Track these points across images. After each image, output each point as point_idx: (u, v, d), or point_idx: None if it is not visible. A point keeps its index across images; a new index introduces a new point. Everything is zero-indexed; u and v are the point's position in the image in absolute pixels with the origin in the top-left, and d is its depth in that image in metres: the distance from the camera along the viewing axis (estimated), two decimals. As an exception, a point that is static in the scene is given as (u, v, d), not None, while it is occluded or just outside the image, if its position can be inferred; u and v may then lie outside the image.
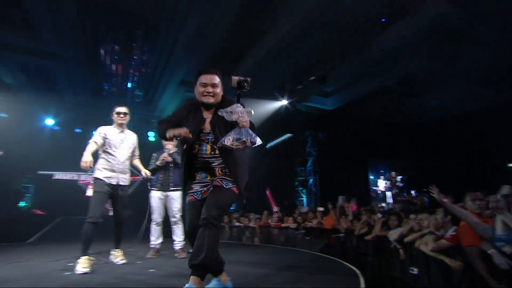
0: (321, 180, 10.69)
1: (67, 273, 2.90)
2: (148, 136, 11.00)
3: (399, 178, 11.13)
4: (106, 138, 3.31)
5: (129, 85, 9.25)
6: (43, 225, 8.05)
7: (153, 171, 4.17)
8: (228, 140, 1.83)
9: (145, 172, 3.78)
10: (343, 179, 11.16)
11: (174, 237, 4.14)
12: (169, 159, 4.16)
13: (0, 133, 8.41)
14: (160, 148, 4.37)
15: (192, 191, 2.13)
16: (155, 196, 4.15)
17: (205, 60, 7.94)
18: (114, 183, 3.29)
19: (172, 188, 4.16)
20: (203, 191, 2.11)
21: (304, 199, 10.84)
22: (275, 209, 8.65)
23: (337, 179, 10.97)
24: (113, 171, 3.30)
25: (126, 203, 3.47)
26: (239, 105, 1.89)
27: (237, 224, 7.63)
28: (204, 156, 2.09)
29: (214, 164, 2.09)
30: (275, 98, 8.98)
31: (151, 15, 7.06)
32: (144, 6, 6.82)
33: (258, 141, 1.88)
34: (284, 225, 6.75)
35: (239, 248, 5.48)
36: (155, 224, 4.17)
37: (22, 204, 9.93)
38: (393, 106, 9.88)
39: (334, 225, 5.68)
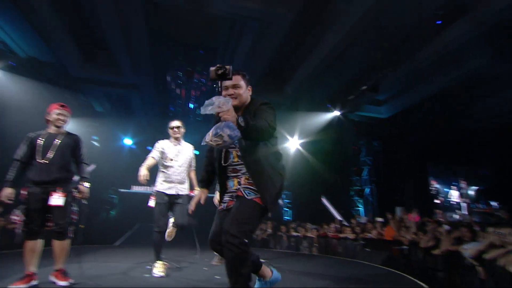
0: (378, 189, 10.05)
1: (146, 275, 3.16)
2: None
3: (472, 187, 9.87)
4: (164, 152, 3.44)
5: (191, 105, 9.92)
6: (125, 230, 8.93)
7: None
8: (208, 136, 1.57)
9: (195, 190, 3.62)
10: (402, 188, 10.32)
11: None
12: None
13: (92, 152, 9.66)
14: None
15: (223, 201, 1.95)
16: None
17: (258, 77, 8.18)
18: (173, 193, 3.39)
19: None
20: (228, 201, 1.90)
21: (361, 208, 10.27)
22: (339, 217, 8.29)
23: (395, 188, 10.18)
24: (171, 182, 3.38)
25: (185, 211, 3.40)
26: (219, 96, 1.60)
27: (294, 234, 7.51)
28: (232, 163, 1.89)
29: (241, 172, 1.87)
30: (328, 110, 8.78)
31: (209, 41, 7.61)
32: (203, 35, 7.39)
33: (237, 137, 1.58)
34: (342, 235, 6.46)
35: (297, 258, 5.40)
36: None
37: (112, 212, 11.19)
38: (453, 110, 8.93)
39: (395, 236, 5.26)
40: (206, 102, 1.58)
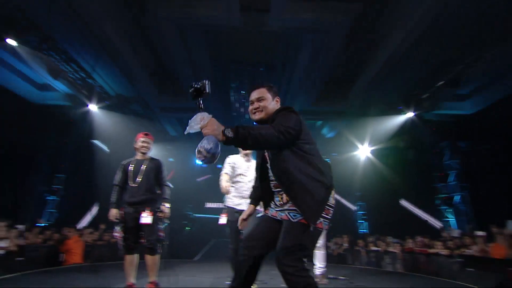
0: (472, 196, 8.65)
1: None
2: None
3: None
4: (235, 167, 3.44)
5: (254, 123, 10.20)
6: (202, 246, 9.44)
7: None
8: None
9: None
10: (502, 195, 8.68)
11: (316, 262, 4.05)
12: None
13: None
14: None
15: (270, 207, 1.84)
16: None
17: (320, 86, 8.03)
18: (244, 209, 3.29)
19: None
20: (273, 212, 1.78)
21: (452, 219, 8.96)
22: (439, 224, 7.32)
23: (493, 195, 8.62)
24: (242, 197, 3.33)
25: None
26: (202, 113, 1.54)
27: (374, 248, 6.90)
28: (272, 179, 1.78)
29: (280, 188, 1.73)
30: (399, 112, 8.06)
31: (268, 58, 7.81)
32: (262, 53, 7.62)
33: (217, 151, 1.49)
34: (432, 251, 5.68)
35: (381, 276, 4.90)
36: (319, 249, 4.04)
37: (188, 228, 12.02)
38: None
39: (509, 255, 4.37)
40: (189, 121, 1.54)
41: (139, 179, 3.18)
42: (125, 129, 8.62)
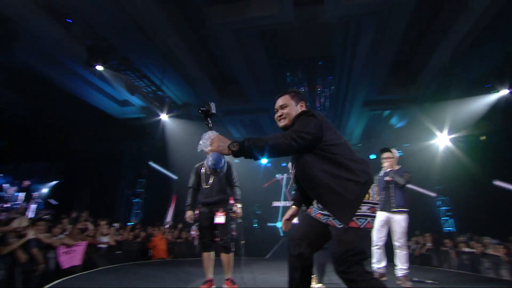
0: None
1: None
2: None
3: None
4: None
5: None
6: (273, 244, 9.54)
7: None
8: None
9: None
10: None
11: (397, 263, 3.72)
12: (389, 178, 3.81)
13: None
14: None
15: (313, 207, 1.81)
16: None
17: (385, 75, 7.41)
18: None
19: (394, 210, 3.70)
20: (316, 213, 1.74)
21: None
22: None
23: None
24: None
25: None
26: (211, 131, 1.68)
27: (466, 249, 6.02)
28: None
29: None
30: (488, 91, 6.92)
31: (326, 50, 7.51)
32: (319, 46, 7.37)
33: (217, 166, 1.71)
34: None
35: (483, 283, 4.22)
36: (375, 247, 3.80)
37: (256, 225, 12.29)
38: None
39: None
40: (200, 141, 1.67)
41: (211, 181, 3.35)
42: (192, 134, 9.26)
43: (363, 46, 6.43)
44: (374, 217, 1.61)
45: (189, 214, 3.36)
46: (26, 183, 12.07)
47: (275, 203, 12.10)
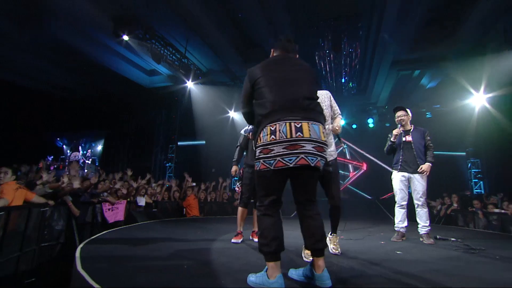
0: None
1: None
2: (368, 124, 10.95)
3: None
4: None
5: (343, 80, 9.48)
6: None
7: (390, 151, 3.83)
8: None
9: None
10: None
11: (419, 221, 3.68)
12: (409, 138, 3.71)
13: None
14: (385, 132, 4.05)
15: None
16: (396, 177, 3.75)
17: (420, 30, 6.77)
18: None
19: (417, 170, 3.63)
20: None
21: None
22: None
23: None
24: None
25: (338, 182, 2.82)
26: None
27: (496, 210, 5.78)
28: None
29: None
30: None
31: (351, 10, 6.94)
32: (343, 6, 6.81)
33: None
34: None
35: (510, 240, 4.08)
36: (399, 206, 3.75)
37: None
38: None
39: None
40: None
41: None
42: (217, 99, 9.32)
43: (392, 2, 5.84)
44: (265, 158, 1.61)
45: (234, 168, 3.59)
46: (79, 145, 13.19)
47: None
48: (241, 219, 3.43)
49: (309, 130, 1.60)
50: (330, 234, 2.81)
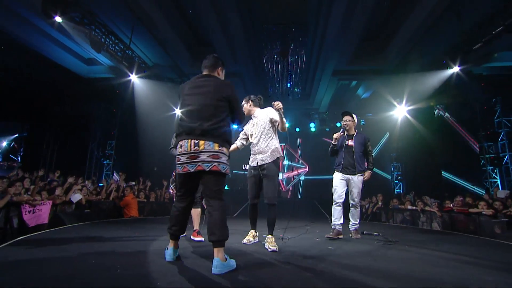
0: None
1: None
2: (310, 127, 11.56)
3: None
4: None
5: (288, 85, 9.90)
6: (242, 204, 9.83)
7: (332, 153, 4.08)
8: None
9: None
10: None
11: (351, 218, 4.05)
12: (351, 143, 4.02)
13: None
14: (323, 137, 4.34)
15: None
16: (337, 177, 3.96)
17: (355, 45, 7.42)
18: (255, 164, 3.14)
19: (355, 172, 3.92)
20: None
21: (497, 180, 8.30)
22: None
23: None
24: (253, 154, 3.23)
25: (273, 183, 3.05)
26: None
27: (410, 207, 6.69)
28: None
29: None
30: (443, 67, 7.23)
31: (300, 17, 7.30)
32: (292, 12, 7.13)
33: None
34: (473, 210, 5.37)
35: (416, 233, 4.76)
36: (336, 204, 3.91)
37: (227, 187, 12.48)
38: None
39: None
40: None
41: None
42: (162, 95, 8.91)
43: (336, 16, 6.32)
44: (179, 164, 2.16)
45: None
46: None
47: (246, 166, 12.36)
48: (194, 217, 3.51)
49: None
50: (268, 236, 3.01)
